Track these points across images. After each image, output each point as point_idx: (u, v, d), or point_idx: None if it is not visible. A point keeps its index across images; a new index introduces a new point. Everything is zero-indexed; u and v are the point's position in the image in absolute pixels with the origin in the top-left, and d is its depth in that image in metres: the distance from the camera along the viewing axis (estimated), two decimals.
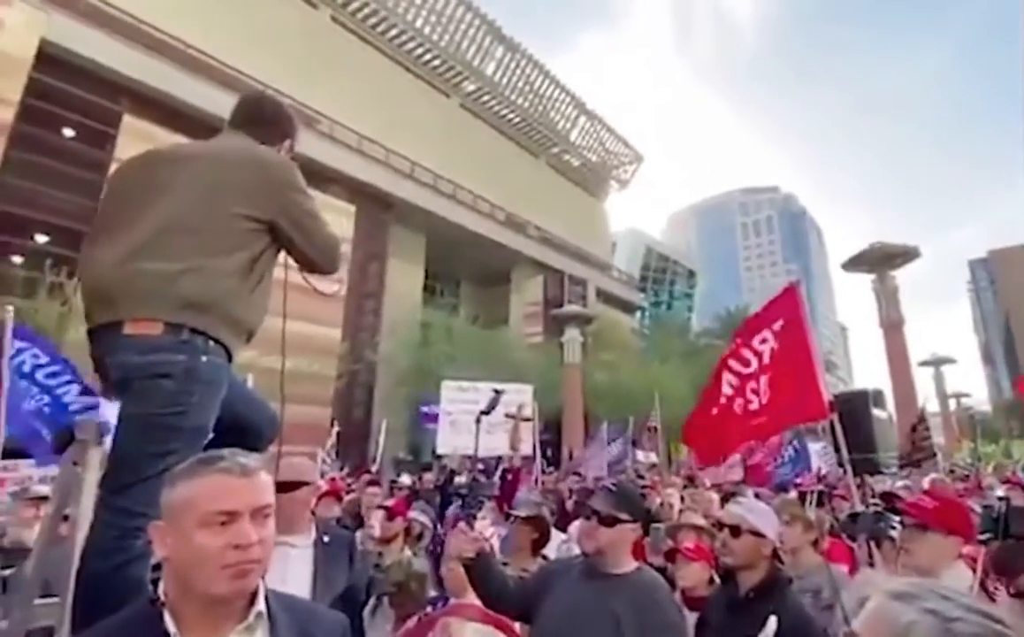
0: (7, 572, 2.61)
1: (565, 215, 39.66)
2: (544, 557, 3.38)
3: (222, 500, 1.07)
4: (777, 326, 4.15)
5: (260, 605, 1.12)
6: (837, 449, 4.44)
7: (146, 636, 1.06)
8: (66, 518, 1.66)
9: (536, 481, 8.05)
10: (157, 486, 1.24)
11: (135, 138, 16.92)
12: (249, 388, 2.14)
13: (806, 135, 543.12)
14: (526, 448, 5.16)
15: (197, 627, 1.07)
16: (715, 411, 4.44)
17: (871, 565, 2.71)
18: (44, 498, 3.16)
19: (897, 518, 2.77)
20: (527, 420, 5.32)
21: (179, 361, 1.55)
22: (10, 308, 6.01)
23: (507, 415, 5.67)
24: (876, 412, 5.35)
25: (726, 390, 4.37)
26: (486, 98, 37.10)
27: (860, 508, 4.10)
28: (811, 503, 5.92)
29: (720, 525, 2.43)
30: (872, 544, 2.81)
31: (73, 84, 18.61)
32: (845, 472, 4.17)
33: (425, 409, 11.15)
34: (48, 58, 17.66)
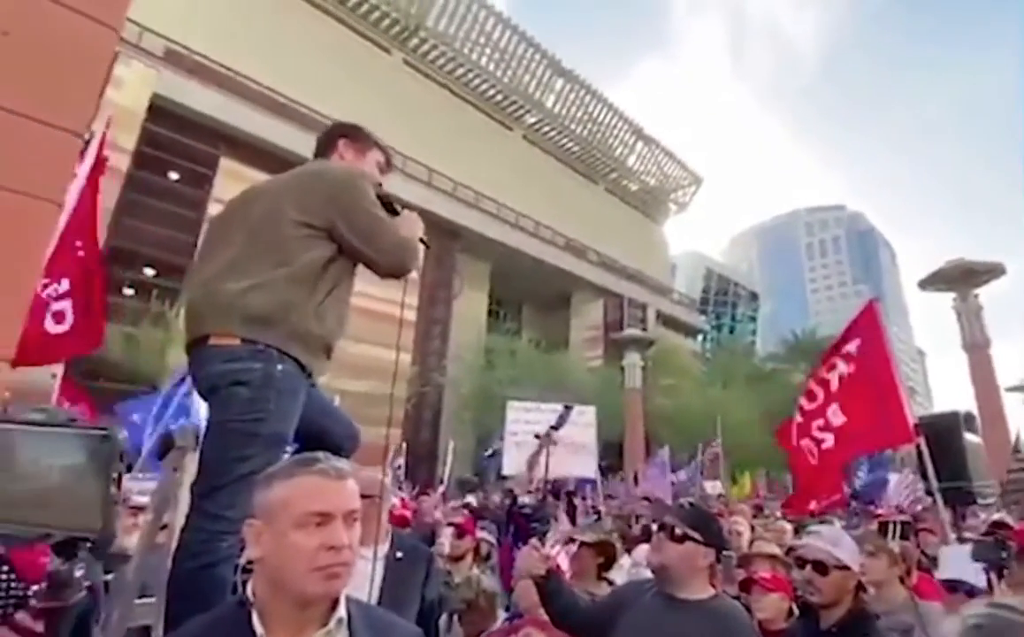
0: (109, 577, 2.69)
1: (624, 239, 39.78)
2: (610, 582, 3.35)
3: (318, 501, 1.07)
4: (851, 348, 3.96)
5: (341, 611, 1.11)
6: (925, 476, 4.21)
7: (234, 636, 1.06)
8: (163, 527, 1.74)
9: (595, 509, 8.12)
10: (238, 490, 1.29)
11: (230, 179, 18.56)
12: (331, 402, 2.12)
13: (873, 156, 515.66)
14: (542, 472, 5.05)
15: (283, 629, 1.06)
16: (814, 462, 4.23)
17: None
18: (143, 507, 3.32)
19: None
20: (552, 430, 5.09)
21: (256, 369, 1.59)
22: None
23: (536, 435, 5.34)
24: (969, 436, 4.81)
25: (815, 434, 4.20)
26: (546, 129, 38.05)
27: (953, 542, 3.76)
28: (894, 534, 5.74)
29: (801, 560, 2.27)
30: (992, 575, 2.56)
31: (178, 132, 20.54)
32: (934, 501, 3.89)
33: (488, 455, 10.91)
34: (157, 109, 19.62)
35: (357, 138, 2.09)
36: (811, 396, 4.22)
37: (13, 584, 1.88)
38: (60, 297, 3.29)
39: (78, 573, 1.16)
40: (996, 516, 5.17)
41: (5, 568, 1.93)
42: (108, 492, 0.99)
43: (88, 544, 1.19)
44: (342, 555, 1.07)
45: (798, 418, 4.31)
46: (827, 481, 4.48)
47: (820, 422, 4.11)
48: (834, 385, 4.05)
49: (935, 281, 24.42)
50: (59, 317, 3.30)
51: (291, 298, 1.66)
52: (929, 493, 4.37)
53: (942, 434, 4.57)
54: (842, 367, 4.02)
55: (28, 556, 2.39)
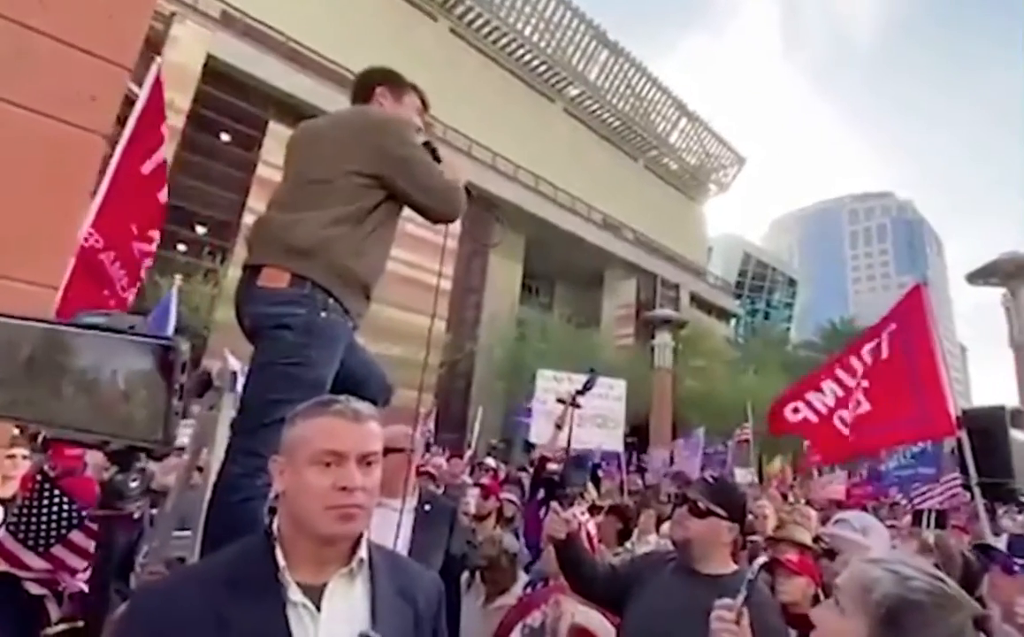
0: (154, 512, 2.82)
1: (661, 218, 39.13)
2: (629, 550, 3.42)
3: (331, 440, 1.09)
4: (889, 331, 3.81)
5: (362, 552, 1.14)
6: (964, 470, 4.08)
7: (258, 565, 1.09)
8: (200, 469, 1.80)
9: (622, 484, 8.11)
10: (277, 431, 1.29)
11: (280, 142, 18.90)
12: (368, 353, 2.13)
13: (927, 144, 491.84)
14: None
15: (304, 564, 1.09)
16: (815, 419, 4.13)
17: None
18: (184, 448, 3.62)
19: None
20: (576, 406, 5.02)
21: (300, 314, 1.63)
22: (178, 277, 7.09)
23: (559, 399, 5.44)
24: (1015, 433, 4.68)
25: (827, 400, 4.10)
26: (588, 102, 37.35)
27: (990, 539, 3.50)
28: (928, 523, 5.58)
29: (829, 552, 2.22)
30: None
31: (230, 94, 20.95)
32: (972, 497, 3.74)
33: (525, 409, 11.15)
34: (211, 71, 19.98)
35: (393, 84, 2.10)
36: (852, 372, 4.06)
37: (66, 507, 1.99)
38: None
39: (133, 484, 1.17)
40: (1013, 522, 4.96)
41: (57, 492, 2.03)
42: (170, 403, 0.99)
43: (146, 454, 1.20)
44: (354, 496, 1.08)
45: (835, 390, 4.14)
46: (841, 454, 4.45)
47: (843, 414, 4.01)
48: (859, 372, 3.91)
49: (986, 274, 23.43)
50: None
51: (331, 234, 1.70)
52: (967, 488, 4.24)
53: (986, 428, 4.43)
54: (878, 351, 3.85)
55: (79, 481, 2.53)
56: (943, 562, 3.32)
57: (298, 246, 1.67)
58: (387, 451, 2.16)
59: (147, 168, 3.29)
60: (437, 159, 2.00)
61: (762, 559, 1.77)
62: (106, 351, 0.93)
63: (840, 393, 4.05)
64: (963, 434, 3.54)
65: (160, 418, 0.94)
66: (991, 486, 4.34)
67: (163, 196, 3.42)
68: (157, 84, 3.44)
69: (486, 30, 32.28)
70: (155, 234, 3.38)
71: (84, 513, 1.97)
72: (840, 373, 4.10)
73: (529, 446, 9.87)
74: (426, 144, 2.00)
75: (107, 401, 0.93)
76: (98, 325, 0.98)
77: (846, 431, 3.96)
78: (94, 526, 1.83)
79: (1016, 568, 2.34)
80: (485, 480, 5.84)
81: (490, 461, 9.87)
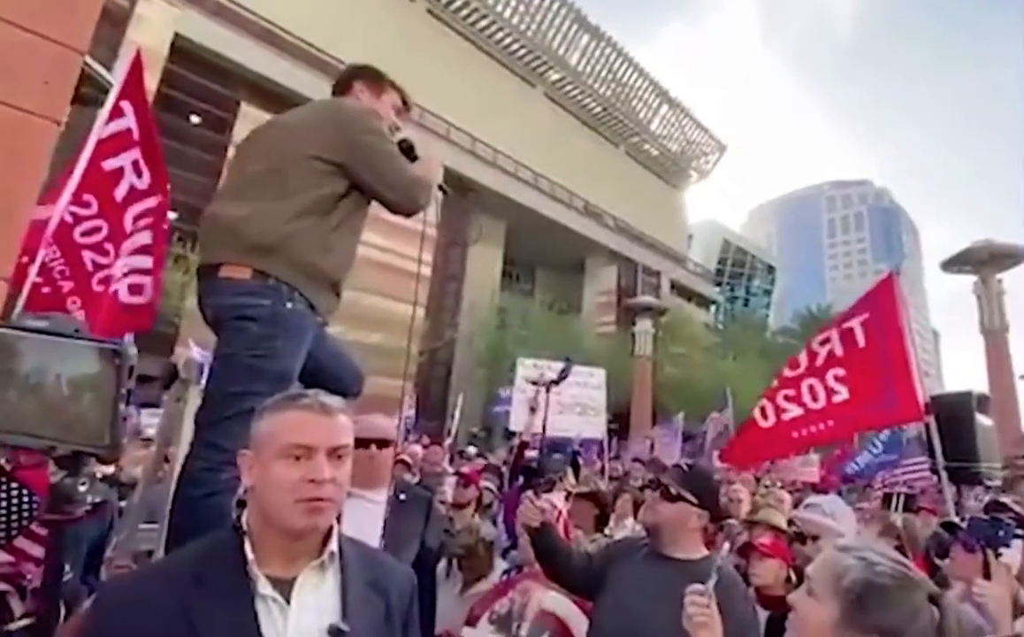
0: (123, 504, 2.83)
1: (642, 204, 39.22)
2: (607, 536, 3.39)
3: (299, 434, 1.09)
4: (859, 320, 3.88)
5: (333, 545, 1.14)
6: (932, 454, 4.08)
7: (226, 560, 1.08)
8: (167, 460, 1.80)
9: (603, 469, 8.07)
10: (240, 424, 1.27)
11: (252, 124, 18.50)
12: (340, 343, 2.11)
13: (904, 133, 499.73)
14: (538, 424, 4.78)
15: (273, 558, 1.09)
16: (765, 424, 4.23)
17: (986, 577, 2.28)
18: (152, 439, 3.35)
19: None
20: (553, 384, 4.91)
21: (264, 305, 1.59)
22: None
23: (533, 381, 5.20)
24: (980, 417, 4.80)
25: (779, 401, 4.16)
26: (569, 87, 37.14)
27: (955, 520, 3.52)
28: (897, 506, 5.73)
29: (801, 536, 2.27)
30: (989, 554, 2.37)
31: (199, 75, 20.38)
32: (940, 480, 3.82)
33: (501, 396, 11.09)
34: (179, 51, 19.35)
35: (373, 80, 2.09)
36: (793, 364, 4.17)
37: (25, 497, 1.95)
38: (141, 271, 3.32)
39: (81, 487, 1.14)
40: (1004, 498, 5.13)
41: (15, 485, 1.98)
42: (116, 407, 0.96)
43: (93, 459, 1.20)
44: (323, 489, 1.08)
45: (774, 382, 4.29)
46: (773, 448, 4.51)
47: (790, 392, 4.07)
48: (821, 360, 3.98)
49: (960, 262, 23.99)
50: (136, 289, 3.33)
51: (294, 229, 1.65)
52: (934, 471, 4.26)
53: (954, 413, 4.53)
54: (855, 340, 3.91)
55: (37, 473, 2.48)
56: (908, 543, 3.47)
57: (259, 243, 1.61)
58: (377, 443, 2.22)
59: (103, 134, 3.15)
60: (413, 158, 1.97)
61: (727, 544, 1.83)
62: (50, 355, 0.90)
63: (791, 393, 4.13)
64: (931, 419, 3.64)
65: (107, 423, 0.91)
66: (957, 469, 4.47)
67: (112, 165, 3.20)
68: (135, 70, 3.32)
69: (465, 12, 31.81)
70: (92, 199, 3.14)
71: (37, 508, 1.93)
72: (788, 372, 4.20)
73: (510, 434, 9.89)
74: (404, 141, 1.97)
75: (52, 405, 0.91)
76: (41, 328, 0.94)
77: (824, 424, 4.01)
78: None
79: (975, 547, 2.41)
80: (464, 468, 5.84)
81: (471, 450, 9.89)
